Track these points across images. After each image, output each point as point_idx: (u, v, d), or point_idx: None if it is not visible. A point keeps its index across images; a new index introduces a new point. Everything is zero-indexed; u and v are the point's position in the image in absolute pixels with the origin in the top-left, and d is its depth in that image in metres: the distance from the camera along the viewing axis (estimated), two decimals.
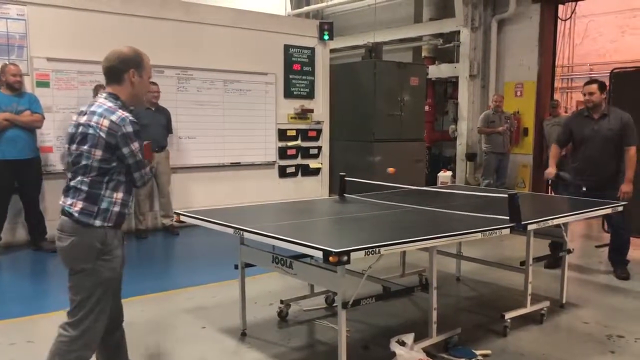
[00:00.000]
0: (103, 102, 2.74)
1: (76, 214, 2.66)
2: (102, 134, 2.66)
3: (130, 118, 2.72)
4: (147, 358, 3.61)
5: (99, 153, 2.67)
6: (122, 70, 2.78)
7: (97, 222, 2.68)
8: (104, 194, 2.69)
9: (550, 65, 10.26)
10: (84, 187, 2.68)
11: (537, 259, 4.37)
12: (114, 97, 2.78)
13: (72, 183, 2.73)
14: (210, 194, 7.87)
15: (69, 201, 2.70)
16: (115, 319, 2.94)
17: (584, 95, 5.41)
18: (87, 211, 2.67)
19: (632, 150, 5.27)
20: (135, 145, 2.72)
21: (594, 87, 5.30)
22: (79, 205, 2.67)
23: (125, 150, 2.70)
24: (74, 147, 2.74)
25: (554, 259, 5.28)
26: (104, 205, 2.69)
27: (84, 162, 2.69)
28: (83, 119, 2.72)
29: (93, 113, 2.70)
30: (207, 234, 5.20)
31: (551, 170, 5.60)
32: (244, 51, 8.21)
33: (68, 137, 2.81)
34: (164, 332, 4.08)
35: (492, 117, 9.35)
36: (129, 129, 2.69)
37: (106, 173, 2.70)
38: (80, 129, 2.72)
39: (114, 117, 2.67)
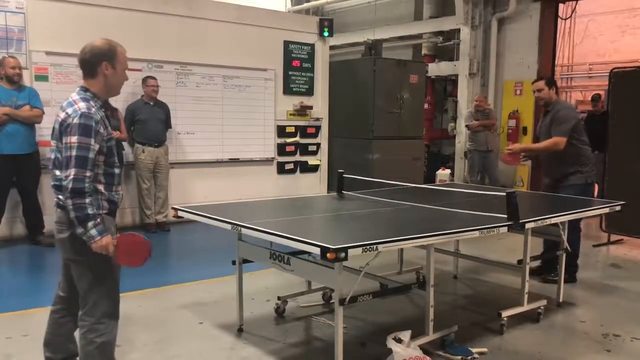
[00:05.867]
0: (71, 95, 2.76)
1: None
2: (56, 126, 2.69)
3: (85, 111, 2.62)
4: (144, 353, 3.61)
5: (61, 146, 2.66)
6: (95, 63, 2.81)
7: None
8: None
9: (550, 64, 10.25)
10: None
11: (534, 258, 4.37)
12: (83, 89, 2.78)
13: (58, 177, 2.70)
14: (208, 189, 7.85)
15: (62, 195, 2.65)
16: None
17: (533, 92, 5.20)
18: None
19: (555, 139, 4.91)
20: (72, 140, 2.57)
21: (541, 83, 5.11)
22: None
23: (64, 140, 2.62)
24: (53, 142, 2.76)
25: (546, 263, 5.16)
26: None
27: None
28: (61, 115, 2.72)
29: (61, 108, 2.73)
30: (205, 230, 5.21)
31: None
32: (244, 47, 8.19)
33: (52, 134, 2.79)
34: (161, 327, 4.08)
35: (476, 116, 9.47)
36: (76, 121, 2.59)
37: None
38: (56, 124, 2.73)
39: (69, 110, 2.66)
